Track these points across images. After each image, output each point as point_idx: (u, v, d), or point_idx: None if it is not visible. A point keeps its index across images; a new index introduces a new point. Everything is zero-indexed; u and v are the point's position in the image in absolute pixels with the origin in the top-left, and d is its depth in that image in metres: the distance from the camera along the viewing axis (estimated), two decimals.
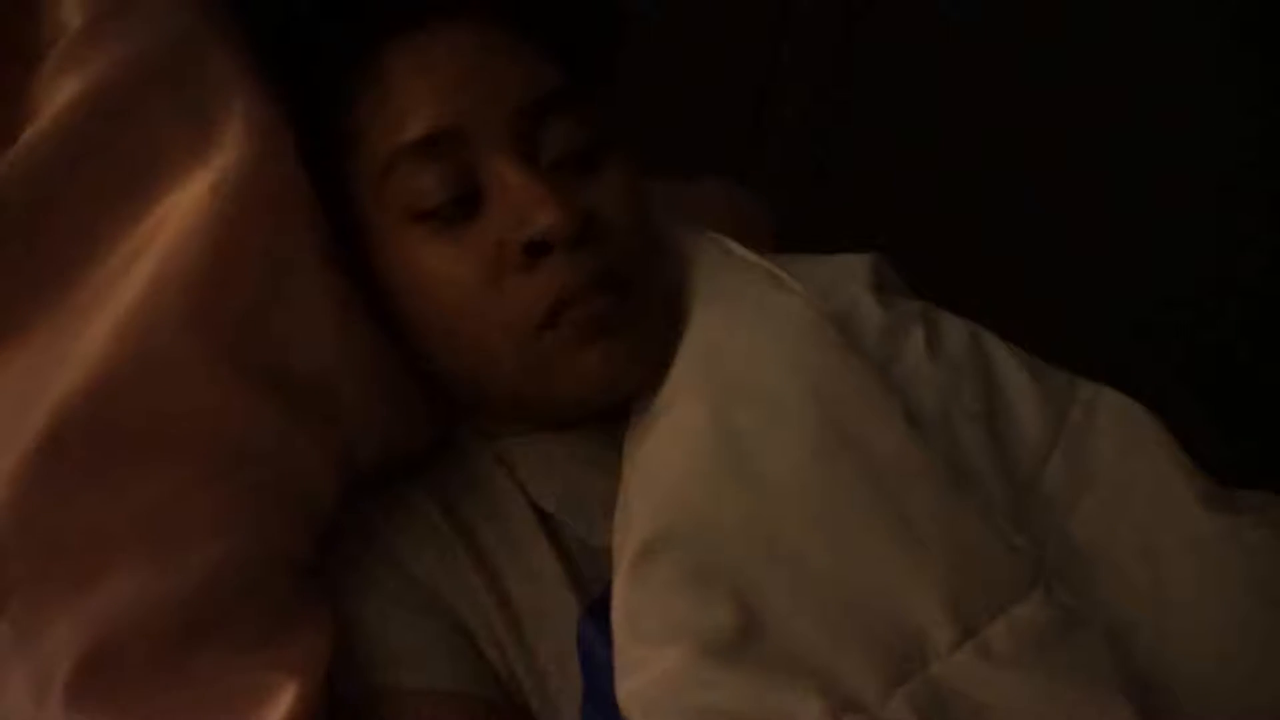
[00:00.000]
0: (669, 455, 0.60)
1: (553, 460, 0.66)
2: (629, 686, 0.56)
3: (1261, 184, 1.32)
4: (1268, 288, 1.33)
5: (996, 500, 0.60)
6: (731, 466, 0.59)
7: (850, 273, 0.69)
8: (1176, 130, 1.27)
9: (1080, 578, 0.58)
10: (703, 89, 1.17)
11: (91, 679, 0.53)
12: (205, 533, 0.56)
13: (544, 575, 0.63)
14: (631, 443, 0.63)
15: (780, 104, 1.31)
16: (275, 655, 0.56)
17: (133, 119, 0.59)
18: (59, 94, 0.58)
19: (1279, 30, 1.27)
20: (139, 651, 0.54)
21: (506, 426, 0.66)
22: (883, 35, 1.29)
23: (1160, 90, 1.26)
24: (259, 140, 0.59)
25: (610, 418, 0.63)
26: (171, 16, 0.60)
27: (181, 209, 0.57)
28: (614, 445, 0.63)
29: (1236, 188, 1.32)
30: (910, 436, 0.59)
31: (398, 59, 0.61)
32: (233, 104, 0.60)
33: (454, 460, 0.68)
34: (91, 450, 0.54)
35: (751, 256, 0.68)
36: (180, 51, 0.60)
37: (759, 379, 0.61)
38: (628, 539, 0.59)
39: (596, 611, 0.60)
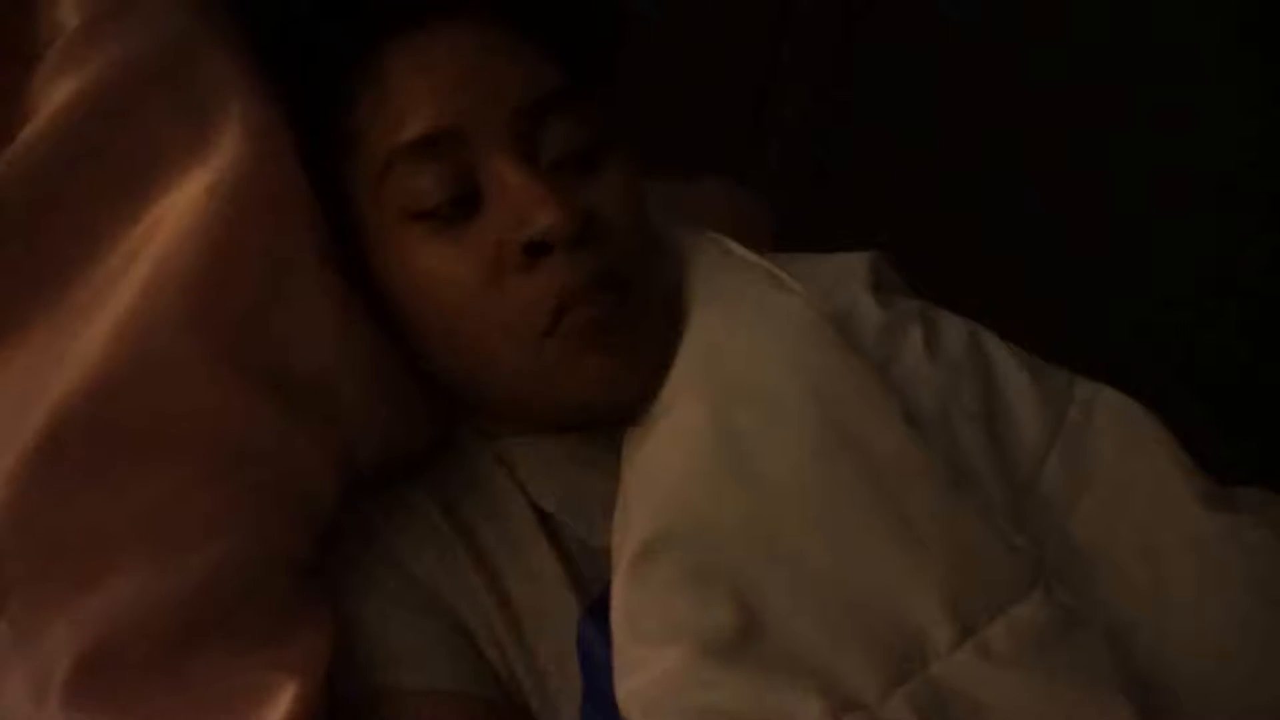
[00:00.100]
0: (669, 456, 0.60)
1: (553, 460, 0.66)
2: (628, 686, 0.56)
3: (1261, 184, 1.32)
4: (1268, 288, 1.33)
5: (996, 500, 0.60)
6: (731, 466, 0.59)
7: (849, 272, 0.69)
8: (1176, 130, 1.27)
9: (1080, 577, 0.58)
10: (703, 89, 1.17)
11: (90, 679, 0.53)
12: (205, 533, 0.56)
13: (544, 575, 0.63)
14: (631, 444, 0.62)
15: (780, 104, 1.31)
16: (275, 655, 0.56)
17: (131, 119, 0.59)
18: (57, 94, 0.58)
19: (1279, 30, 1.27)
20: (138, 651, 0.54)
21: (506, 426, 0.66)
22: (883, 35, 1.29)
23: (1160, 90, 1.26)
24: (257, 140, 0.59)
25: (610, 420, 0.63)
26: (170, 17, 0.60)
27: (179, 209, 0.57)
28: (614, 447, 0.63)
29: (1236, 188, 1.32)
30: (909, 436, 0.59)
31: (397, 59, 0.61)
32: (231, 104, 0.60)
33: (454, 460, 0.68)
34: (91, 450, 0.54)
35: (751, 256, 0.68)
36: (178, 52, 0.60)
37: (759, 379, 0.61)
38: (627, 539, 0.59)
39: (596, 611, 0.60)
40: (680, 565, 0.57)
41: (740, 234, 0.71)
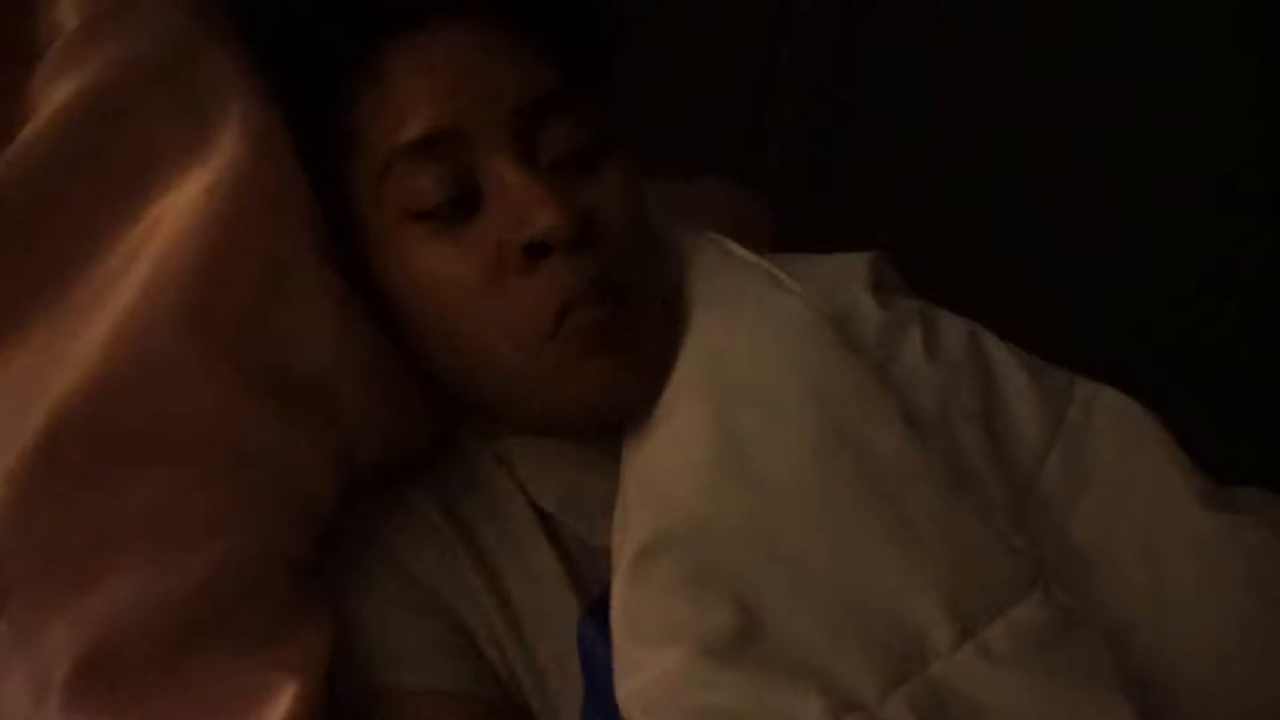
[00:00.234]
0: (669, 457, 0.60)
1: (553, 461, 0.66)
2: (629, 687, 0.56)
3: (1261, 184, 1.32)
4: (1268, 288, 1.33)
5: (995, 500, 0.60)
6: (731, 467, 0.59)
7: (849, 272, 0.69)
8: (1176, 130, 1.27)
9: (1079, 578, 0.58)
10: (703, 89, 1.17)
11: (90, 679, 0.53)
12: (204, 533, 0.56)
13: (544, 575, 0.63)
14: (631, 446, 0.62)
15: (780, 104, 1.31)
16: (275, 655, 0.56)
17: (130, 119, 0.59)
18: (56, 94, 0.58)
19: (1279, 30, 1.27)
20: (138, 652, 0.54)
21: (506, 427, 0.66)
22: (883, 35, 1.29)
23: (1160, 90, 1.26)
24: (257, 140, 0.59)
25: (611, 422, 0.63)
26: (169, 17, 0.60)
27: (179, 209, 0.57)
28: (614, 448, 0.63)
29: (1236, 188, 1.32)
30: (909, 437, 0.59)
31: (397, 59, 0.60)
32: (230, 104, 0.59)
33: (454, 460, 0.68)
34: (90, 450, 0.54)
35: (751, 257, 0.67)
36: (178, 52, 0.60)
37: (759, 380, 0.61)
38: (627, 540, 0.59)
39: (597, 611, 0.61)
40: (680, 566, 0.57)
41: (740, 234, 0.71)
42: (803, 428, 0.59)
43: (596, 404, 0.61)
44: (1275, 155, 1.31)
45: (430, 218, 0.60)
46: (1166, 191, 1.27)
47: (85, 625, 0.53)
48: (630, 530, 0.59)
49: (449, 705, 0.60)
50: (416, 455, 0.67)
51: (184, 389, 0.56)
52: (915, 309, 0.68)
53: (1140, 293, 1.27)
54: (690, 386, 0.62)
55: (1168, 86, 1.27)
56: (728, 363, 0.62)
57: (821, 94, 1.30)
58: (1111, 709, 0.53)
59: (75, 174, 0.57)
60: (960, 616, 0.54)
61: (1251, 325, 1.34)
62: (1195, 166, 1.28)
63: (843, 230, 0.78)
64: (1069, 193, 1.26)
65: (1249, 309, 1.34)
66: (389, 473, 0.66)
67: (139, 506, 0.55)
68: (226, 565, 0.56)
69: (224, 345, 0.57)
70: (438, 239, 0.60)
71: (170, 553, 0.55)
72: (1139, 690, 0.54)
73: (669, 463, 0.60)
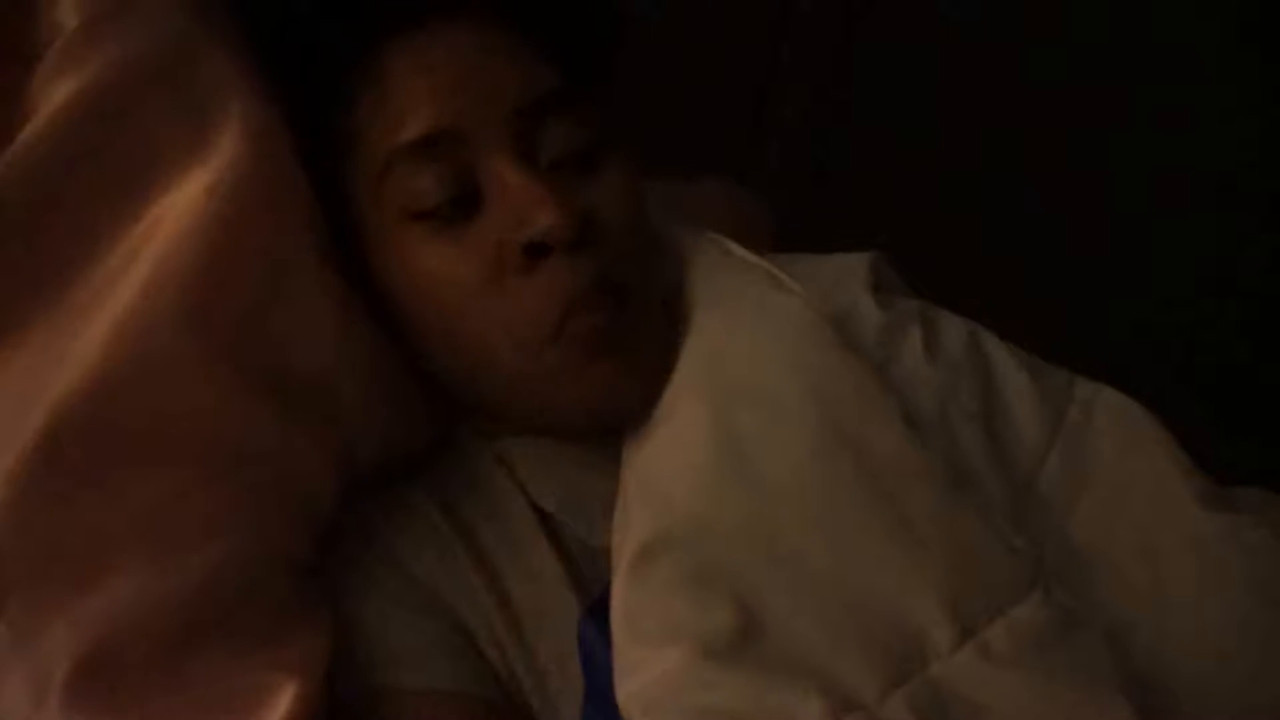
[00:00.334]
0: (669, 458, 0.60)
1: (552, 461, 0.65)
2: (629, 687, 0.56)
3: (1261, 184, 1.32)
4: (1268, 288, 1.33)
5: (995, 500, 0.60)
6: (731, 468, 0.59)
7: (849, 272, 0.69)
8: (1176, 130, 1.27)
9: (1079, 578, 0.58)
10: (703, 89, 1.17)
11: (90, 680, 0.53)
12: (204, 533, 0.56)
13: (544, 575, 0.63)
14: (631, 446, 0.62)
15: (780, 104, 1.31)
16: (275, 656, 0.56)
17: (130, 119, 0.58)
18: (56, 94, 0.58)
19: (1279, 30, 1.27)
20: (138, 652, 0.54)
21: (506, 427, 0.66)
22: (883, 35, 1.29)
23: (1160, 90, 1.26)
24: (257, 140, 0.59)
25: (611, 424, 0.63)
26: (169, 17, 0.60)
27: (178, 209, 0.57)
28: (614, 448, 0.63)
29: (1236, 188, 1.32)
30: (909, 437, 0.59)
31: (397, 59, 0.60)
32: (230, 104, 0.59)
33: (454, 460, 0.68)
34: (90, 451, 0.54)
35: (751, 257, 0.67)
36: (178, 52, 0.60)
37: (759, 381, 0.61)
38: (626, 540, 0.59)
39: (597, 611, 0.60)
40: (680, 566, 0.57)
41: (740, 234, 0.71)
42: (803, 428, 0.59)
43: (597, 407, 0.61)
44: (1275, 155, 1.31)
45: (430, 218, 0.60)
46: (1166, 191, 1.27)
47: (85, 625, 0.53)
48: (630, 530, 0.59)
49: (449, 705, 0.60)
50: (416, 455, 0.67)
51: (184, 389, 0.56)
52: (915, 309, 0.68)
53: (1140, 293, 1.27)
54: (690, 387, 0.62)
55: (1168, 86, 1.27)
56: (728, 363, 0.62)
57: (821, 94, 1.30)
58: (1111, 709, 0.53)
59: (75, 174, 0.57)
60: (960, 617, 0.54)
61: (1251, 325, 1.34)
62: (1195, 166, 1.28)
63: (843, 230, 0.78)
64: (1069, 193, 1.26)
65: (1249, 309, 1.34)
66: (389, 473, 0.66)
67: (139, 506, 0.55)
68: (226, 565, 0.56)
69: (224, 345, 0.57)
70: (438, 239, 0.60)
71: (170, 553, 0.55)
72: (1139, 690, 0.54)
73: (669, 463, 0.60)
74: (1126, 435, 0.63)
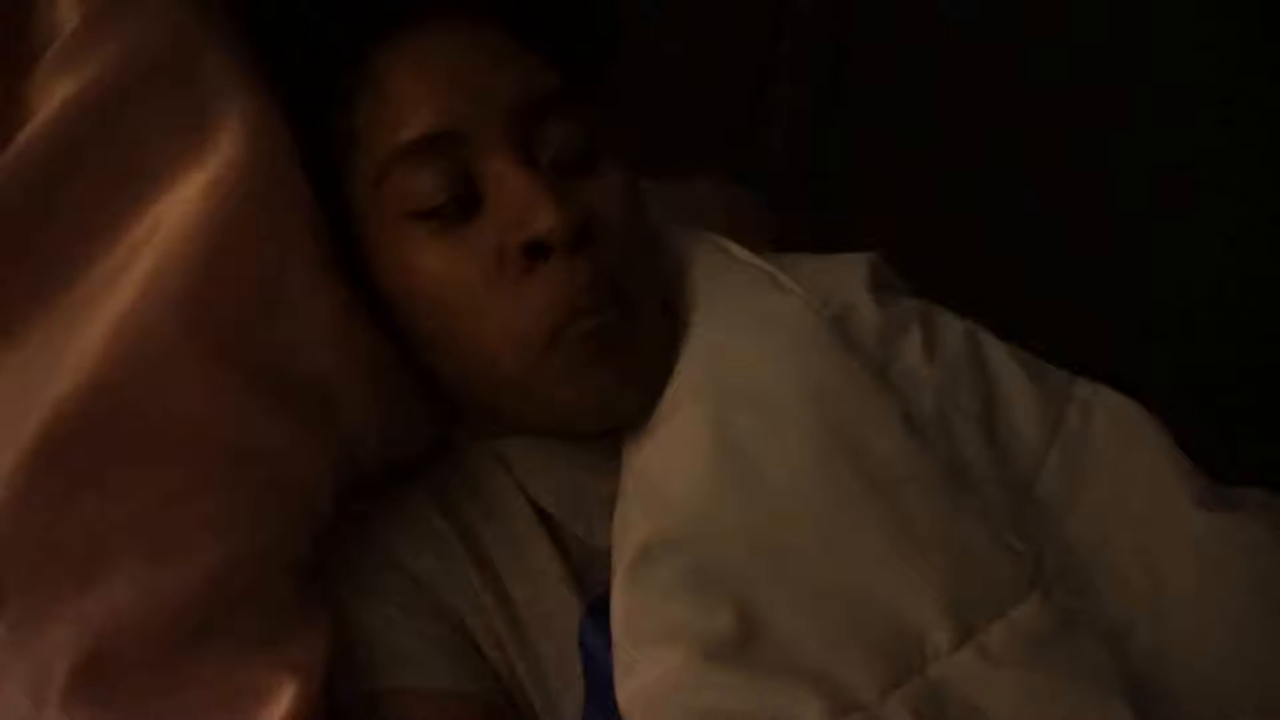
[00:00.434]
0: (668, 460, 0.60)
1: (552, 461, 0.65)
2: (629, 688, 0.56)
3: (1261, 184, 1.32)
4: (1268, 288, 1.33)
5: (995, 501, 0.60)
6: (731, 470, 0.59)
7: (849, 272, 0.69)
8: (1176, 130, 1.27)
9: (1078, 578, 0.58)
10: (701, 88, 1.17)
11: (89, 681, 0.53)
12: (204, 533, 0.56)
13: (545, 575, 0.63)
14: (630, 447, 0.62)
15: (779, 104, 1.30)
16: (275, 656, 0.56)
17: (129, 119, 0.58)
18: (55, 94, 0.58)
19: (1279, 30, 1.27)
20: (137, 653, 0.54)
21: (506, 428, 0.66)
22: (881, 35, 1.29)
23: (1160, 90, 1.26)
24: (255, 141, 0.59)
25: (611, 427, 0.63)
26: (168, 17, 0.60)
27: (178, 210, 0.57)
28: (614, 449, 0.63)
29: (1236, 188, 1.32)
30: (908, 438, 0.59)
31: (396, 60, 0.60)
32: (229, 105, 0.59)
33: (454, 460, 0.68)
34: (89, 451, 0.54)
35: (750, 257, 0.68)
36: (177, 52, 0.60)
37: (759, 382, 0.61)
38: (626, 541, 0.59)
39: (598, 612, 0.61)
40: (680, 567, 0.57)
41: (738, 234, 0.71)
42: (802, 429, 0.59)
43: (596, 409, 0.61)
44: (1275, 155, 1.30)
45: (430, 218, 0.60)
46: (1166, 191, 1.27)
47: (85, 626, 0.53)
48: (629, 531, 0.59)
49: (449, 705, 0.60)
50: (416, 455, 0.67)
51: (183, 389, 0.56)
52: (915, 309, 0.68)
53: (1140, 293, 1.27)
54: (690, 388, 0.62)
55: (1168, 86, 1.27)
56: (727, 364, 0.62)
57: (820, 93, 1.30)
58: (1111, 710, 0.53)
59: (74, 174, 0.57)
60: (960, 617, 0.54)
61: (1251, 325, 1.34)
62: (1195, 166, 1.28)
63: (842, 230, 0.78)
64: (1069, 193, 1.26)
65: (1249, 309, 1.34)
66: (389, 473, 0.66)
67: (138, 507, 0.55)
68: (226, 566, 0.56)
69: (223, 345, 0.57)
70: (437, 240, 0.60)
71: (170, 553, 0.55)
72: (1138, 691, 0.54)
73: (668, 464, 0.60)
74: (1125, 435, 0.63)
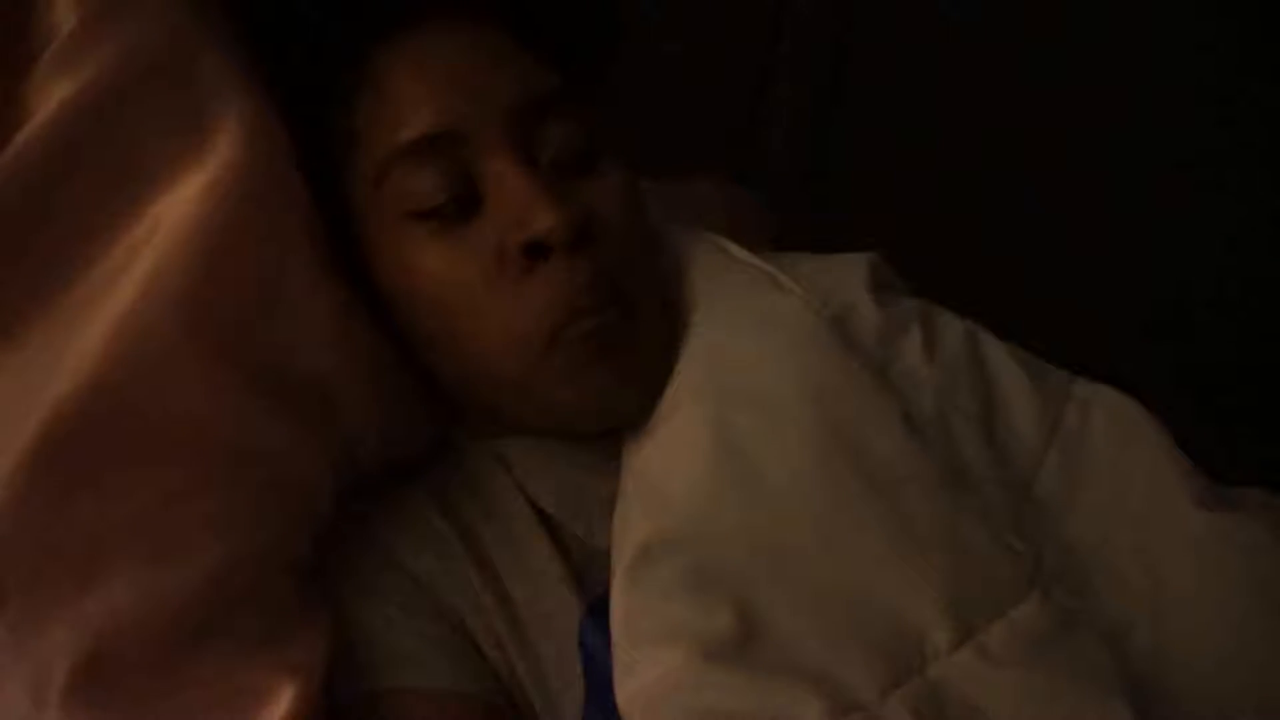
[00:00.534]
0: (668, 460, 0.60)
1: (551, 461, 0.65)
2: (628, 688, 0.56)
3: (1261, 184, 1.32)
4: (1268, 288, 1.33)
5: (994, 501, 0.60)
6: (731, 470, 0.59)
7: (848, 272, 0.69)
8: (1176, 130, 1.27)
9: (1078, 578, 0.58)
10: (701, 88, 1.17)
11: (89, 682, 0.53)
12: (204, 534, 0.56)
13: (545, 575, 0.63)
14: (630, 447, 0.62)
15: (778, 104, 1.30)
16: (275, 657, 0.56)
17: (127, 120, 0.58)
18: (53, 96, 0.58)
19: (1279, 30, 1.27)
20: (137, 654, 0.54)
21: (506, 428, 0.66)
22: (881, 35, 1.29)
23: (1160, 90, 1.26)
24: (254, 141, 0.59)
25: (610, 428, 0.63)
26: (166, 17, 0.60)
27: (176, 211, 0.57)
28: (614, 449, 0.63)
29: (1236, 188, 1.32)
30: (908, 438, 0.59)
31: (395, 60, 0.60)
32: (228, 105, 0.59)
33: (453, 460, 0.68)
34: (88, 451, 0.54)
35: (750, 257, 0.68)
36: (175, 53, 0.60)
37: (759, 382, 0.61)
38: (625, 541, 0.59)
39: (598, 612, 0.61)
40: (679, 567, 0.57)
41: (738, 234, 0.71)
42: (802, 429, 0.59)
43: (596, 409, 0.61)
44: (1275, 155, 1.30)
45: (429, 218, 0.60)
46: (1166, 191, 1.27)
47: (84, 627, 0.53)
48: (629, 531, 0.59)
49: (449, 705, 0.60)
50: (416, 455, 0.67)
51: (182, 389, 0.56)
52: (914, 309, 0.68)
53: (1140, 293, 1.27)
54: (690, 388, 0.62)
55: (1168, 86, 1.27)
56: (727, 364, 0.62)
57: (820, 93, 1.30)
58: (1110, 710, 0.53)
59: (73, 175, 0.57)
60: (959, 617, 0.54)
61: (1251, 325, 1.34)
62: (1195, 166, 1.28)
63: (842, 230, 0.78)
64: (1069, 193, 1.26)
65: (1249, 309, 1.34)
66: (389, 473, 0.66)
67: (138, 507, 0.55)
68: (226, 566, 0.56)
69: (223, 345, 0.57)
70: (437, 240, 0.60)
71: (169, 554, 0.55)
72: (1138, 691, 0.54)
73: (668, 464, 0.60)
74: (1124, 434, 0.63)
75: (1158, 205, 1.27)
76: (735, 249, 0.68)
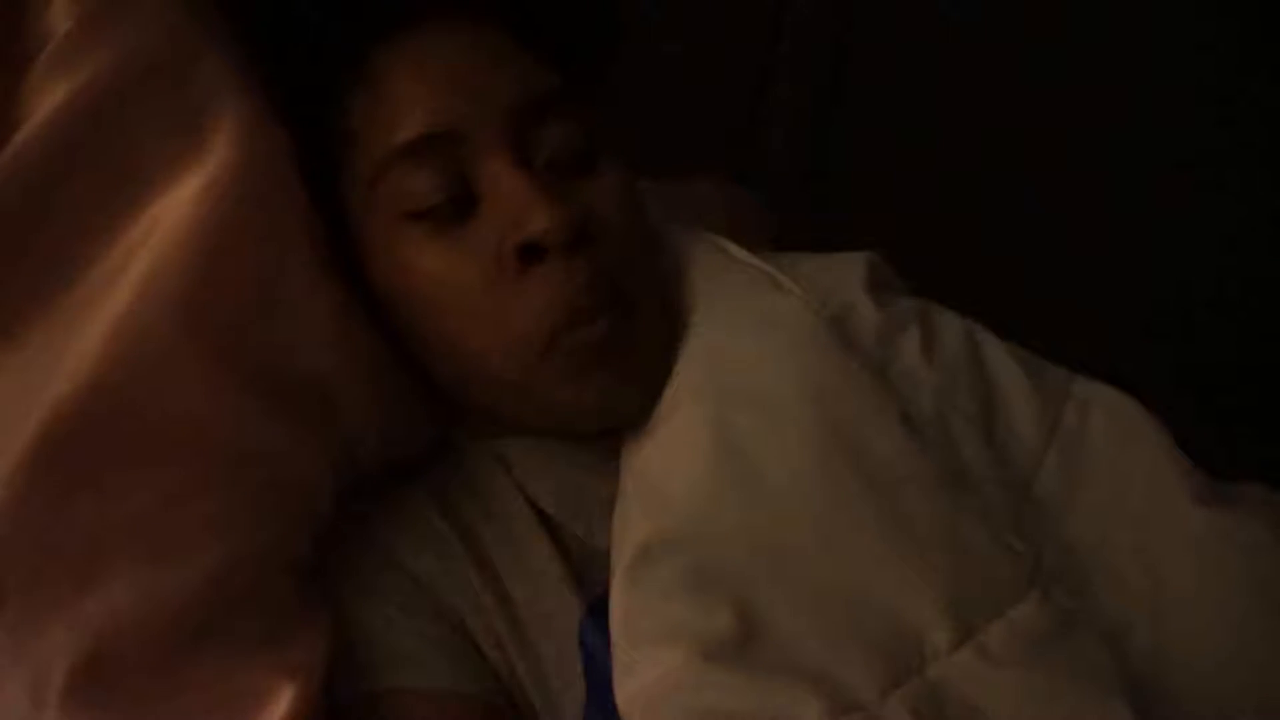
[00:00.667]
0: (668, 460, 0.60)
1: (551, 461, 0.65)
2: (628, 689, 0.56)
3: (1261, 184, 1.32)
4: (1268, 288, 1.33)
5: (994, 501, 0.60)
6: (730, 470, 0.59)
7: (847, 272, 0.69)
8: (1176, 130, 1.27)
9: (1077, 578, 0.58)
10: (701, 88, 1.17)
11: (88, 683, 0.53)
12: (203, 535, 0.56)
13: (545, 575, 0.63)
14: (630, 447, 0.62)
15: (778, 103, 1.30)
16: (274, 658, 0.56)
17: (124, 121, 0.58)
18: (50, 97, 0.58)
19: (1279, 30, 1.27)
20: (136, 655, 0.54)
21: (505, 428, 0.66)
22: (881, 34, 1.29)
23: (1160, 90, 1.26)
24: (251, 141, 0.59)
25: (610, 429, 0.63)
26: (162, 18, 0.60)
27: (174, 212, 0.57)
28: (614, 449, 0.63)
29: (1236, 188, 1.32)
30: (908, 438, 0.59)
31: (393, 60, 0.60)
32: (225, 106, 0.59)
33: (453, 460, 0.68)
34: (87, 452, 0.54)
35: (749, 257, 0.67)
36: (171, 54, 0.60)
37: (758, 382, 0.61)
38: (625, 541, 0.59)
39: (598, 612, 0.60)
40: (679, 568, 0.57)
41: (737, 234, 0.71)
42: (801, 429, 0.59)
43: (596, 409, 0.61)
44: (1275, 155, 1.30)
45: (426, 219, 0.60)
46: (1166, 191, 1.27)
47: (83, 628, 0.53)
48: (629, 531, 0.59)
49: (449, 706, 0.60)
50: (416, 455, 0.67)
51: (181, 390, 0.56)
52: (913, 309, 0.68)
53: (1140, 293, 1.27)
54: (690, 388, 0.62)
55: (1168, 86, 1.26)
56: (727, 364, 0.62)
57: (820, 93, 1.30)
58: (1110, 710, 0.53)
59: (71, 176, 0.57)
60: (959, 617, 0.54)
61: (1251, 325, 1.34)
62: (1195, 166, 1.28)
63: (841, 230, 0.78)
64: (1069, 193, 1.26)
65: (1249, 309, 1.34)
66: (388, 473, 0.66)
67: (137, 508, 0.55)
68: (225, 567, 0.56)
69: (221, 346, 0.57)
70: (434, 241, 0.60)
71: (168, 554, 0.55)
72: (1138, 691, 0.54)
73: (668, 464, 0.60)
74: (1123, 432, 0.63)
75: (1158, 205, 1.27)
76: (735, 249, 0.68)
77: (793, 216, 1.05)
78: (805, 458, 0.58)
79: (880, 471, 0.58)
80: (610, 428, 0.63)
